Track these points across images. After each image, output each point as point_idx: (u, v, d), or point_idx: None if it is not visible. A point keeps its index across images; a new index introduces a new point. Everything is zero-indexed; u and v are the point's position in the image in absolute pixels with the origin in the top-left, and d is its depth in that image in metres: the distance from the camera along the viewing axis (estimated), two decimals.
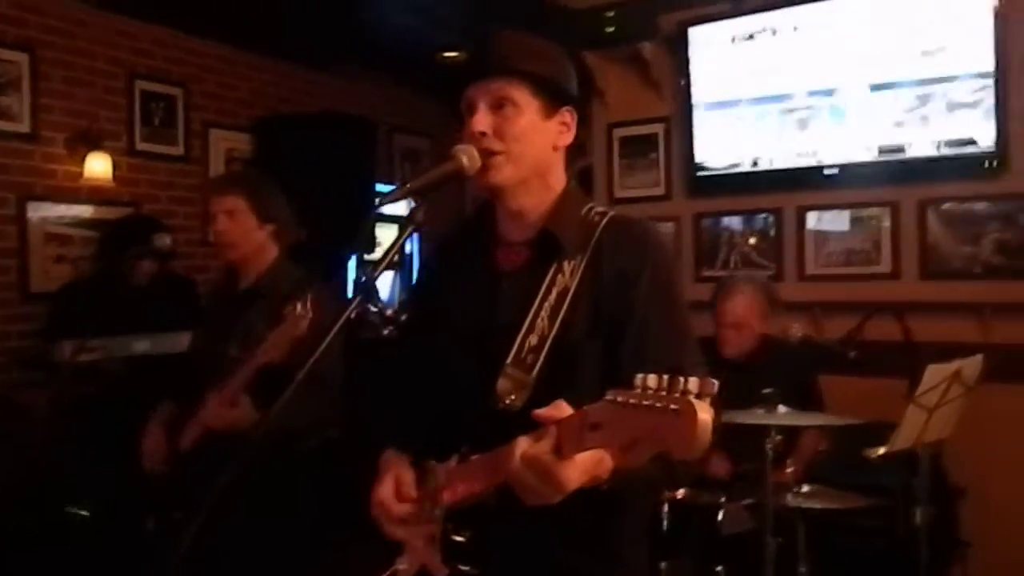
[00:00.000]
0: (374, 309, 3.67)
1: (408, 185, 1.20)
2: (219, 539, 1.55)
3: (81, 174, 4.12)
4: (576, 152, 1.39)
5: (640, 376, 0.80)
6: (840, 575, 2.83)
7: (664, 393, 0.78)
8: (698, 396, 0.76)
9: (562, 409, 0.95)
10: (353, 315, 1.17)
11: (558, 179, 1.34)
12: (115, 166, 4.23)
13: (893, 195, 3.77)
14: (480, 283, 1.34)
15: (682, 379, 0.77)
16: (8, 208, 3.91)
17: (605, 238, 1.28)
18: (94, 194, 4.20)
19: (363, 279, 1.17)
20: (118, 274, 3.46)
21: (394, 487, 1.26)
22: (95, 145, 4.15)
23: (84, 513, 3.12)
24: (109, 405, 3.19)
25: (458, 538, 1.17)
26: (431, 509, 1.21)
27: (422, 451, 1.29)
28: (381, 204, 1.23)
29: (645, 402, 0.78)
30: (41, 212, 4.01)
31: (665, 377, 0.79)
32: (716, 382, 0.77)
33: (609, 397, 0.83)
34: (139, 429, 2.38)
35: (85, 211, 4.17)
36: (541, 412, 0.96)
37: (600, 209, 1.34)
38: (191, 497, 1.14)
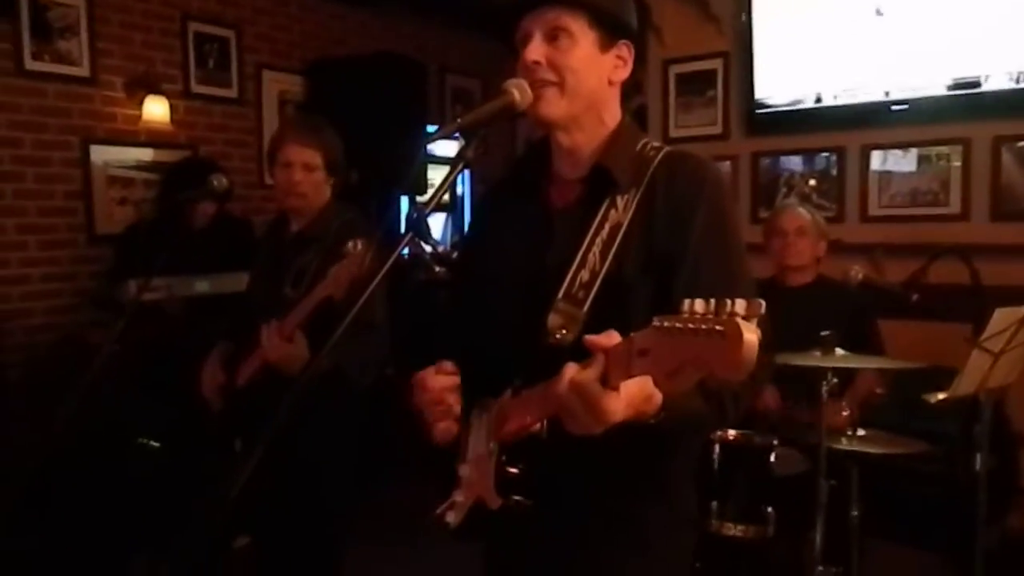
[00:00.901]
0: (428, 249, 3.68)
1: (458, 121, 1.18)
2: (275, 474, 1.60)
3: (140, 117, 4.20)
4: (632, 89, 1.35)
5: (688, 301, 0.79)
6: (894, 520, 2.80)
7: (711, 316, 0.77)
8: (745, 317, 0.75)
9: (612, 337, 0.94)
10: (406, 254, 1.17)
11: (612, 115, 1.31)
12: (172, 109, 4.29)
13: (965, 132, 3.60)
14: (532, 220, 1.32)
15: (729, 302, 0.76)
16: (73, 151, 4.01)
17: (660, 173, 1.25)
18: (153, 137, 4.28)
19: (414, 216, 1.16)
20: (178, 216, 3.54)
21: (436, 369, 1.29)
22: (153, 88, 4.21)
23: (155, 444, 3.27)
24: (171, 344, 3.31)
25: (512, 470, 1.18)
26: (487, 442, 1.23)
27: (476, 388, 1.30)
28: (430, 141, 1.22)
29: (691, 325, 0.77)
30: (104, 155, 4.11)
31: (712, 301, 0.77)
32: (763, 302, 0.76)
33: (656, 323, 0.82)
34: (198, 367, 2.46)
35: (145, 154, 4.26)
36: (591, 338, 0.96)
37: (655, 144, 1.31)
38: (247, 431, 1.17)
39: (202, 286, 3.50)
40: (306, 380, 1.19)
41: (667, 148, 1.30)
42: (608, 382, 0.93)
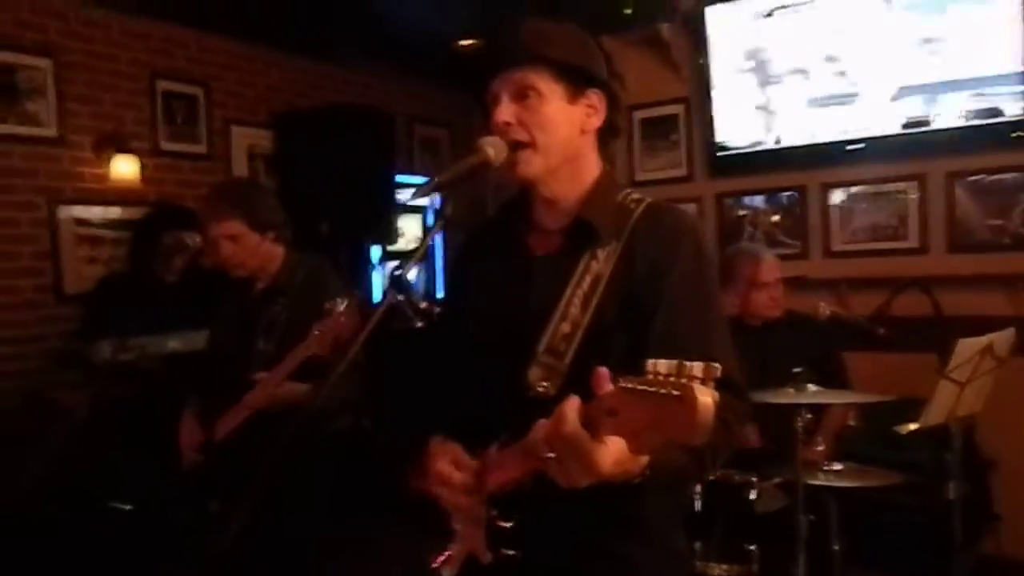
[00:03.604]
0: (406, 300, 3.69)
1: (436, 180, 1.21)
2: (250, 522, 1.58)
3: (108, 176, 4.18)
4: (609, 135, 1.36)
5: (651, 361, 0.80)
6: (874, 551, 2.83)
7: (672, 378, 0.77)
8: (702, 381, 0.76)
9: (573, 401, 0.94)
10: (382, 305, 1.20)
11: (591, 163, 1.33)
12: (141, 166, 4.28)
13: (919, 168, 3.73)
14: (512, 268, 1.34)
15: (688, 364, 0.77)
16: (39, 212, 3.97)
17: (640, 226, 1.27)
18: (122, 195, 4.25)
19: (396, 273, 1.18)
20: (149, 271, 3.51)
21: (450, 460, 1.26)
22: (121, 147, 4.20)
23: (127, 507, 3.20)
24: (144, 403, 3.26)
25: (503, 524, 1.18)
26: (476, 497, 1.23)
27: (460, 441, 1.30)
28: (412, 198, 1.25)
29: (651, 388, 0.78)
30: (71, 214, 4.07)
31: (674, 363, 0.78)
32: (719, 366, 0.77)
33: (621, 383, 0.83)
34: (173, 425, 2.44)
35: (113, 212, 4.23)
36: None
37: (636, 196, 1.33)
38: (226, 488, 1.17)
39: (174, 343, 3.46)
40: (290, 433, 1.19)
41: (648, 200, 1.32)
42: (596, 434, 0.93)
